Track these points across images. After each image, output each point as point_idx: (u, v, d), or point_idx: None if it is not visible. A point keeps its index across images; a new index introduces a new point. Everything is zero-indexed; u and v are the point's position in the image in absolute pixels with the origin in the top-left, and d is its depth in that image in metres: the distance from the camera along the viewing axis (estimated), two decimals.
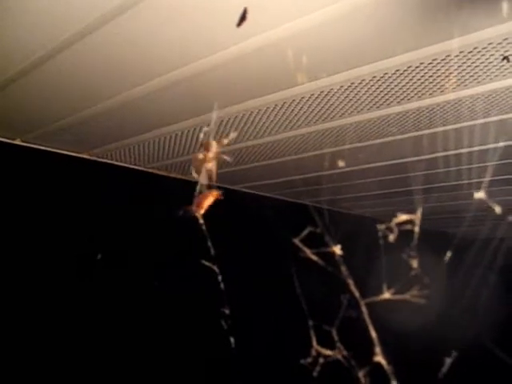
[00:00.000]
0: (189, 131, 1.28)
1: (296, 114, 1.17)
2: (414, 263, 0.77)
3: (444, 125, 1.23)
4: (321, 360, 0.87)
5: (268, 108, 1.13)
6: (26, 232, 1.32)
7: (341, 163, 1.60)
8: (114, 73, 0.94)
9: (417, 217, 0.81)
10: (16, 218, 1.30)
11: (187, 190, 0.85)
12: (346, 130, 1.27)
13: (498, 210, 0.86)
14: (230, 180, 1.90)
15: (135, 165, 1.64)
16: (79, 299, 1.41)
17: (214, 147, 0.86)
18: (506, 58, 0.88)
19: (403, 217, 0.79)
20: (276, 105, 1.11)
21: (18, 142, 1.33)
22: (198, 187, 0.79)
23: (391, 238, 0.78)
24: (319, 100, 1.08)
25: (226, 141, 0.88)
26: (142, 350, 1.53)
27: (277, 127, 1.26)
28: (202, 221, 0.74)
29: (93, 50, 0.84)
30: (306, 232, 0.76)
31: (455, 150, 1.43)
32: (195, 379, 1.63)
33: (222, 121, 1.20)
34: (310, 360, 0.87)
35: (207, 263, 0.84)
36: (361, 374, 0.83)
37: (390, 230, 0.79)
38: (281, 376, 1.74)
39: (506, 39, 0.80)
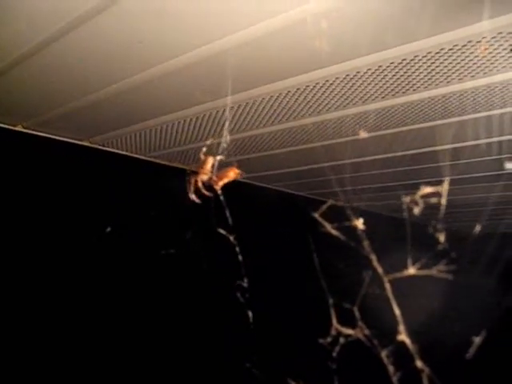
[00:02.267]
0: (191, 119, 1.25)
1: (302, 103, 1.13)
2: (441, 237, 0.73)
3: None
4: (341, 340, 0.83)
5: (272, 97, 1.09)
6: (25, 219, 1.30)
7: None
8: (116, 59, 0.90)
9: (443, 189, 0.77)
10: (15, 205, 1.29)
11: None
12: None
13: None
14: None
15: (136, 153, 1.61)
16: (92, 269, 1.40)
17: (210, 164, 0.85)
18: None
19: (428, 189, 0.75)
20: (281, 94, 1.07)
21: (19, 128, 1.31)
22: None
23: (416, 211, 0.74)
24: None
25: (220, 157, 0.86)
26: (155, 325, 1.53)
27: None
28: (220, 191, 0.71)
29: (95, 35, 0.81)
30: (326, 205, 0.72)
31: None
32: (210, 354, 1.62)
33: (225, 110, 1.16)
34: (329, 340, 0.84)
35: (224, 232, 0.82)
36: (383, 353, 0.80)
37: (414, 202, 0.75)
38: (298, 356, 1.72)
39: None
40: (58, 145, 1.40)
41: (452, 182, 1.88)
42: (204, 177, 0.73)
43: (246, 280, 0.96)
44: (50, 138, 1.38)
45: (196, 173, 0.76)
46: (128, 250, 1.52)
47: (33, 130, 1.34)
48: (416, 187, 0.74)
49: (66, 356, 1.32)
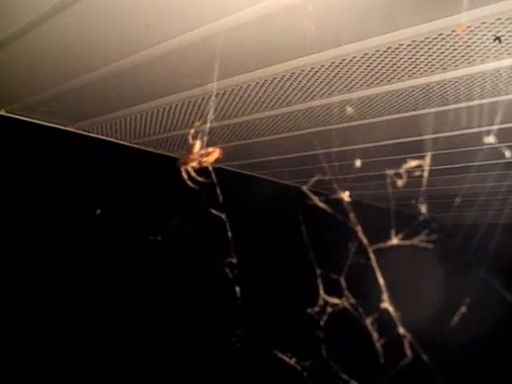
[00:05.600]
0: (176, 106, 1.25)
1: (286, 91, 1.14)
2: (423, 208, 0.77)
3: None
4: (328, 309, 0.87)
5: (258, 83, 1.10)
6: (9, 203, 1.31)
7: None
8: (101, 43, 0.90)
9: (425, 162, 0.80)
10: None
11: (173, 166, 0.85)
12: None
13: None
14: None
15: (121, 140, 1.61)
16: (78, 255, 1.42)
17: (197, 149, 0.86)
18: (497, 38, 0.84)
19: (412, 163, 0.78)
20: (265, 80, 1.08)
21: (2, 112, 1.31)
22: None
23: (400, 183, 0.77)
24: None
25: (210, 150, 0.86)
26: (146, 300, 1.56)
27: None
28: (211, 168, 0.73)
29: (81, 18, 0.81)
30: (314, 179, 0.75)
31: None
32: (199, 329, 1.65)
33: (210, 95, 1.16)
34: (317, 309, 0.87)
35: (215, 211, 0.84)
36: (368, 321, 0.83)
37: (398, 175, 0.78)
38: (287, 325, 1.76)
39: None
40: (42, 130, 1.39)
41: (433, 173, 1.91)
42: (194, 162, 0.75)
43: (235, 256, 0.98)
44: (34, 123, 1.37)
45: (186, 160, 0.77)
46: (115, 235, 1.53)
47: (17, 114, 1.33)
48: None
49: (50, 331, 1.34)
